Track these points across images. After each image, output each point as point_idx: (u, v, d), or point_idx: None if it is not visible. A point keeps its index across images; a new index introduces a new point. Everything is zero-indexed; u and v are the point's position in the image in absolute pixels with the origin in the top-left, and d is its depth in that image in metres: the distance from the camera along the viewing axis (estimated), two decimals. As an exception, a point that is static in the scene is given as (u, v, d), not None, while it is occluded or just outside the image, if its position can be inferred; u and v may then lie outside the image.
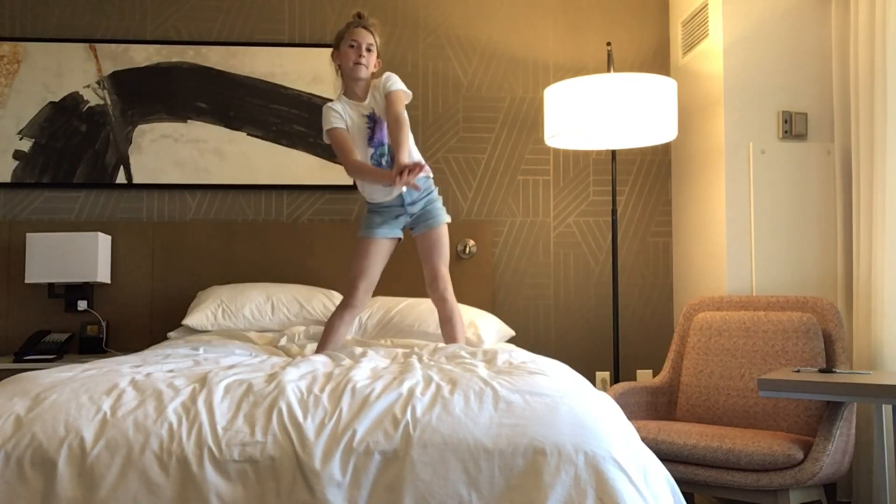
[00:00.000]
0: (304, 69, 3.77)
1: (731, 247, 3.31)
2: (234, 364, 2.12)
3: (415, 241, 2.80)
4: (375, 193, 2.72)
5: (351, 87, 2.72)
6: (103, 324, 3.54)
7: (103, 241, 3.49)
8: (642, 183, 3.89)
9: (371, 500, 1.53)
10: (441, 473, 1.54)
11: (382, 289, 3.65)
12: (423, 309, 3.12)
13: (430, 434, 1.59)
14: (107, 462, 1.55)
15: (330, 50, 3.74)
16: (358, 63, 2.66)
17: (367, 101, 2.70)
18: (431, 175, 2.78)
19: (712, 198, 3.44)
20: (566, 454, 1.56)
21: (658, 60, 3.92)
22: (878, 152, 2.93)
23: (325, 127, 2.67)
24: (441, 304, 2.73)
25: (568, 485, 1.54)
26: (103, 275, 3.48)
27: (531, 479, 1.54)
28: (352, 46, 2.67)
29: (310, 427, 1.61)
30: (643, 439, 2.73)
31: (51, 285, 3.55)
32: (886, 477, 2.42)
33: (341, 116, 2.67)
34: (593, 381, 3.80)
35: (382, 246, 2.73)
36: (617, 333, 3.44)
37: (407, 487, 1.53)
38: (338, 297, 3.39)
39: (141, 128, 3.70)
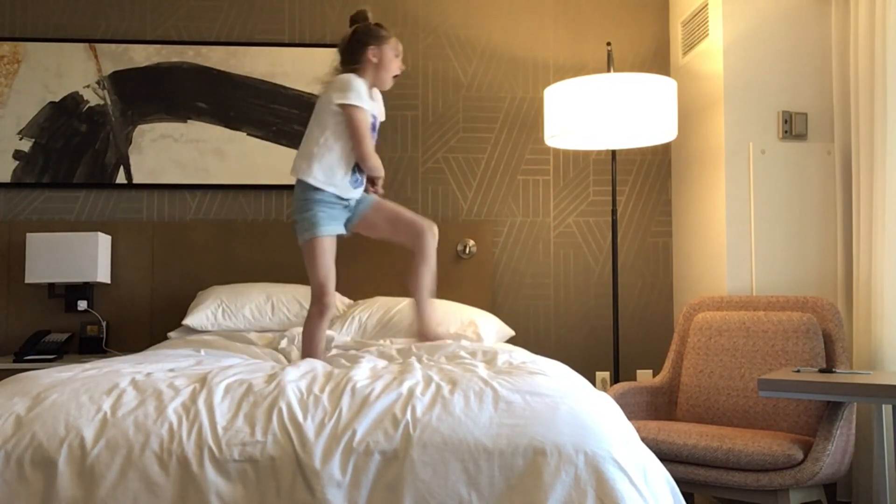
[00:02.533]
0: (304, 69, 3.77)
1: (731, 247, 3.31)
2: (234, 364, 2.12)
3: (366, 223, 2.65)
4: (350, 186, 2.56)
5: (372, 82, 2.60)
6: (103, 324, 3.54)
7: (103, 241, 3.49)
8: (642, 183, 3.90)
9: (371, 499, 1.53)
10: (441, 473, 1.54)
11: (382, 289, 3.66)
12: (423, 309, 3.11)
13: (430, 434, 1.59)
14: (107, 462, 1.55)
15: (326, 50, 3.76)
16: (397, 75, 2.63)
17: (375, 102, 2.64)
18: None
19: (712, 198, 3.44)
20: (566, 454, 1.56)
21: (658, 60, 3.92)
22: (878, 152, 2.93)
23: (354, 101, 2.46)
24: (431, 247, 2.63)
25: (568, 485, 1.54)
26: (103, 275, 3.48)
27: (531, 480, 1.54)
28: (397, 56, 2.61)
29: (310, 427, 1.61)
30: (643, 439, 2.73)
31: (51, 285, 3.55)
32: (886, 477, 2.42)
33: (366, 100, 2.53)
34: (593, 381, 3.80)
35: (335, 243, 2.58)
36: (617, 333, 3.44)
37: (407, 487, 1.53)
38: (338, 297, 3.38)
39: (141, 128, 3.70)
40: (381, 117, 2.66)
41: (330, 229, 2.52)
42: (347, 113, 2.47)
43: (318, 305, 2.50)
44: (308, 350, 2.50)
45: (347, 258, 3.70)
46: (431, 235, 2.61)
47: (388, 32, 2.61)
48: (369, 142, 2.51)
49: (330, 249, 2.53)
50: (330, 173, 2.51)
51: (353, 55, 2.57)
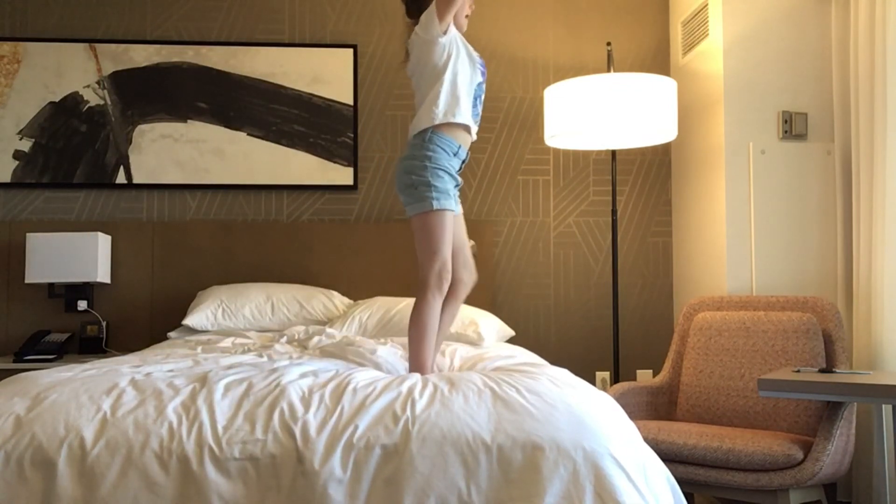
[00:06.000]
0: (304, 69, 3.77)
1: (731, 247, 3.31)
2: (234, 363, 2.12)
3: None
4: (473, 119, 2.33)
5: None
6: (103, 324, 3.54)
7: (103, 241, 3.49)
8: (642, 183, 3.89)
9: (371, 493, 1.54)
10: (440, 467, 1.55)
11: (382, 289, 3.66)
12: (423, 309, 3.11)
13: (430, 428, 1.59)
14: (107, 461, 1.55)
15: (326, 50, 3.77)
16: (468, 15, 2.44)
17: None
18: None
19: (712, 198, 3.44)
20: (564, 450, 1.57)
21: (658, 60, 3.92)
22: (878, 152, 2.93)
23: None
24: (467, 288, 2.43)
25: (566, 480, 1.54)
26: (103, 275, 3.48)
27: (530, 474, 1.55)
28: None
29: (311, 424, 1.61)
30: (643, 439, 2.73)
31: (51, 285, 3.55)
32: (886, 477, 2.42)
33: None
34: (593, 381, 3.80)
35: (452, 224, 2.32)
36: (617, 333, 3.44)
37: (406, 481, 1.54)
38: (338, 297, 3.39)
39: (141, 128, 3.70)
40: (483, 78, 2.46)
41: (452, 204, 2.26)
42: (438, 8, 2.25)
43: (440, 287, 2.22)
44: (428, 340, 2.20)
45: (348, 258, 3.70)
46: (469, 285, 2.41)
47: None
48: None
49: (451, 226, 2.26)
50: (454, 103, 2.28)
51: (420, 3, 2.36)
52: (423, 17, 2.31)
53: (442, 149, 2.25)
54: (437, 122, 2.25)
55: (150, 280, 3.64)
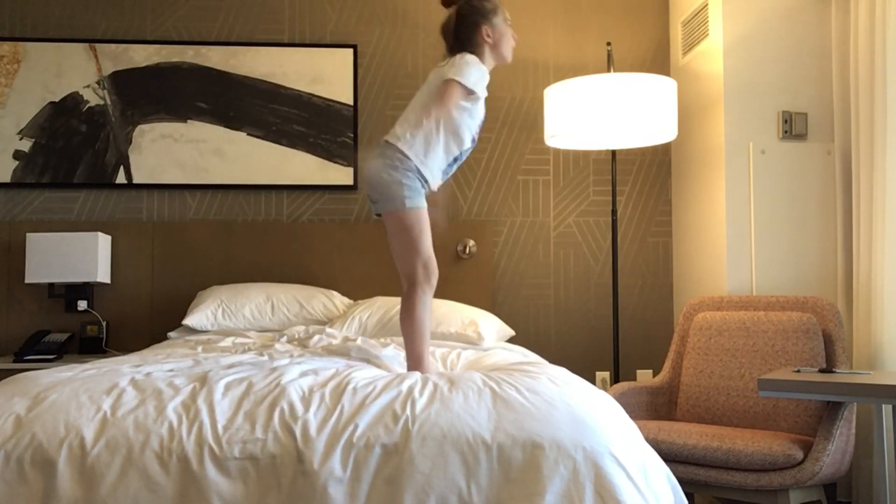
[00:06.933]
0: (304, 69, 3.77)
1: (731, 247, 3.31)
2: (234, 363, 2.12)
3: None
4: (440, 175, 2.30)
5: (493, 63, 2.35)
6: (103, 324, 3.54)
7: (103, 241, 3.49)
8: (642, 183, 3.90)
9: (371, 493, 1.54)
10: (440, 466, 1.55)
11: (382, 289, 3.66)
12: (423, 309, 3.11)
13: (430, 427, 1.60)
14: (107, 461, 1.55)
15: (326, 50, 3.78)
16: (513, 46, 2.36)
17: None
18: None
19: (712, 198, 3.44)
20: (564, 449, 1.57)
21: (658, 60, 3.92)
22: (878, 152, 2.93)
23: (477, 84, 2.23)
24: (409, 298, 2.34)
25: (566, 478, 1.54)
26: (103, 275, 3.48)
27: (530, 473, 1.55)
28: (508, 24, 2.33)
29: (311, 423, 1.61)
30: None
31: (51, 285, 3.55)
32: (886, 477, 2.42)
33: (482, 88, 2.27)
34: (593, 381, 3.80)
35: None
36: (617, 333, 3.44)
37: (406, 480, 1.54)
38: (338, 297, 3.39)
39: (141, 128, 3.70)
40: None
41: (422, 202, 2.23)
42: (447, 85, 2.19)
43: (426, 283, 2.22)
44: (422, 336, 2.20)
45: (348, 258, 3.70)
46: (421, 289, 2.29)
47: (493, 1, 2.31)
48: (449, 106, 2.20)
49: (427, 224, 2.23)
50: (428, 152, 2.25)
51: (465, 40, 2.28)
52: (468, 65, 2.22)
53: (412, 171, 2.23)
54: (404, 150, 2.22)
55: (150, 280, 3.64)
